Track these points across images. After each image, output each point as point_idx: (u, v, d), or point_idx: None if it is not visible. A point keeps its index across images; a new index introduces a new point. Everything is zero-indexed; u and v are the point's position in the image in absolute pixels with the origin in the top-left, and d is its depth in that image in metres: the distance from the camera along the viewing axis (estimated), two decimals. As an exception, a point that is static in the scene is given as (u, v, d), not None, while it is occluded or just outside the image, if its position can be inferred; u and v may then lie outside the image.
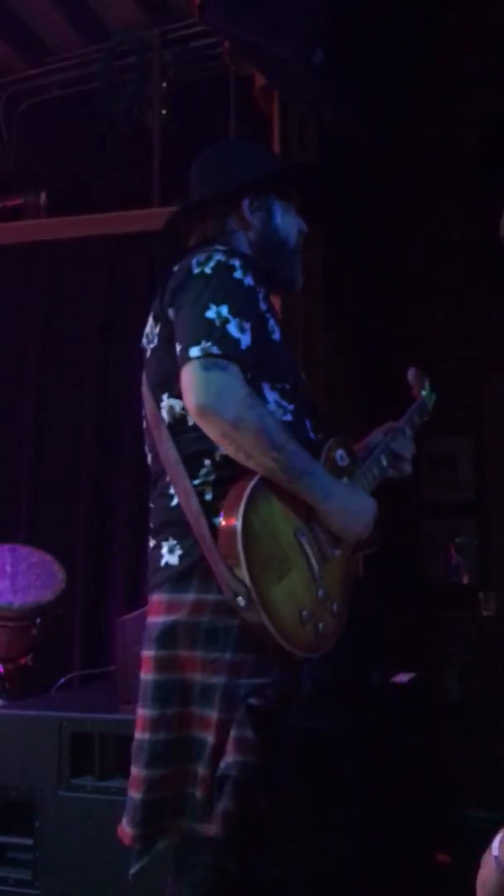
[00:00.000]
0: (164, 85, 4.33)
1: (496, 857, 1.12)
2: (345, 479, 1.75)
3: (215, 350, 1.56)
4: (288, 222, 1.86)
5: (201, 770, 1.55)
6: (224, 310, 1.59)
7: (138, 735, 1.62)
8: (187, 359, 1.57)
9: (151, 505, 1.74)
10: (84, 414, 3.79)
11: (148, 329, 1.78)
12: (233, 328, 1.59)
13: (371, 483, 1.82)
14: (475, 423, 4.21)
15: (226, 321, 1.59)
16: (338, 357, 3.80)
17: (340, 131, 3.59)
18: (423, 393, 2.10)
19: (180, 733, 1.58)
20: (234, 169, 1.85)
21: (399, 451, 1.90)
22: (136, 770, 1.61)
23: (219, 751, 1.53)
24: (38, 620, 3.00)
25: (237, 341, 1.58)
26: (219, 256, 1.67)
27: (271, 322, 1.72)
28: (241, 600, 1.50)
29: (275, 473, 1.56)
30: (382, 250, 4.30)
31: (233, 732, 1.52)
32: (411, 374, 2.12)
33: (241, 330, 1.60)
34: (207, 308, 1.59)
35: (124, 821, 1.61)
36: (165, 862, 1.65)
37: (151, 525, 1.73)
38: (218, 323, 1.58)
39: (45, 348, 3.99)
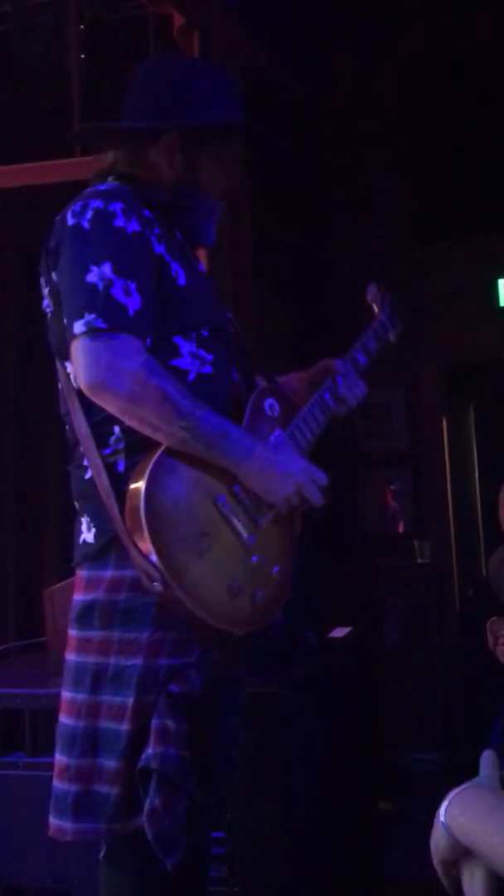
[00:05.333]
0: (81, 27, 4.13)
1: (443, 823, 1.13)
2: (277, 431, 1.62)
3: (100, 323, 1.43)
4: (212, 174, 1.67)
5: (114, 764, 1.46)
6: (107, 269, 1.46)
7: (60, 717, 1.55)
8: (73, 336, 1.46)
9: (70, 473, 1.63)
10: (5, 379, 3.66)
11: (42, 290, 1.62)
12: (118, 292, 1.45)
13: (314, 429, 1.69)
14: (407, 375, 4.20)
15: (109, 284, 1.45)
16: (267, 306, 3.74)
17: (262, 72, 3.48)
18: (384, 313, 1.91)
19: (89, 722, 1.50)
20: (166, 101, 1.63)
21: (341, 392, 1.74)
22: (59, 756, 1.54)
23: (136, 739, 1.45)
24: (-33, 592, 2.92)
25: (124, 307, 1.45)
26: (96, 203, 1.51)
27: (174, 265, 1.56)
28: (156, 585, 1.42)
29: (186, 443, 1.46)
30: (309, 199, 4.22)
31: (153, 722, 1.44)
32: (370, 292, 1.93)
33: (127, 293, 1.46)
34: (87, 270, 1.46)
35: (53, 812, 1.52)
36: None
37: (72, 494, 1.63)
38: (101, 287, 1.45)
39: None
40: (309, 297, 4.26)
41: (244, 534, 1.53)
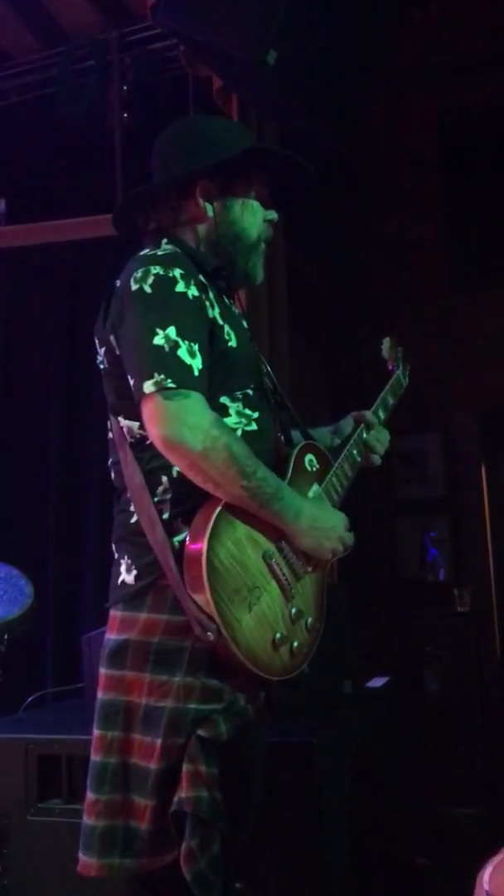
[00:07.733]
0: (124, 88, 4.28)
1: (488, 892, 1.10)
2: (315, 486, 1.73)
3: (170, 383, 1.51)
4: (248, 213, 1.75)
5: (143, 800, 1.51)
6: (172, 332, 1.53)
7: (91, 756, 1.60)
8: (143, 394, 1.53)
9: (115, 517, 1.71)
10: (50, 427, 3.74)
11: (97, 349, 1.72)
12: (184, 353, 1.53)
13: (344, 483, 1.80)
14: (444, 421, 4.21)
15: (175, 346, 1.53)
16: (303, 356, 3.79)
17: (299, 132, 3.56)
18: (398, 369, 2.05)
19: (121, 759, 1.55)
20: (191, 153, 1.73)
21: (371, 442, 1.88)
22: (89, 793, 1.58)
23: (164, 778, 1.49)
24: (6, 637, 2.95)
25: (190, 367, 1.53)
26: (157, 269, 1.59)
27: (226, 328, 1.65)
28: (210, 635, 1.48)
29: (243, 501, 1.54)
30: (345, 249, 4.29)
31: (185, 766, 1.48)
32: (385, 345, 2.05)
33: (192, 354, 1.54)
34: (154, 334, 1.53)
35: (82, 849, 1.56)
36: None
37: (113, 537, 1.70)
38: (167, 349, 1.53)
39: (7, 359, 3.93)
40: (345, 345, 4.30)
41: (287, 587, 1.60)
